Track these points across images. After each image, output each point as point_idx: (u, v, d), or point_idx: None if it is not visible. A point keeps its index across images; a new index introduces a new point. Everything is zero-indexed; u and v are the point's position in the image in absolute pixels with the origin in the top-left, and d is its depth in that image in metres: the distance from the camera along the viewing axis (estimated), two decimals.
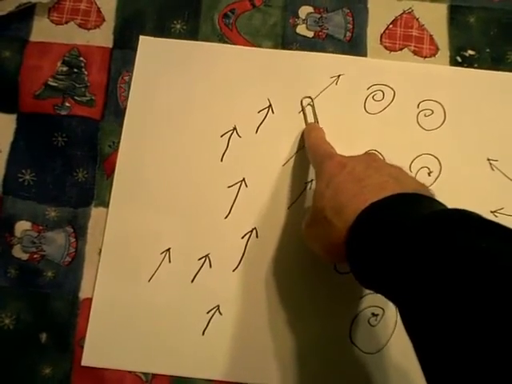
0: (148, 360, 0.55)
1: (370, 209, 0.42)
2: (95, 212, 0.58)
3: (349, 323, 0.56)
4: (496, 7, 0.65)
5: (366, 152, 0.53)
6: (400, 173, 0.47)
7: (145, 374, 0.54)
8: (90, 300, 0.56)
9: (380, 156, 0.52)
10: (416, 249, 0.38)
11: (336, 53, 0.63)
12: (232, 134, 0.60)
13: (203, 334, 0.55)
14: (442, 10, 0.64)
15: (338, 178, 0.47)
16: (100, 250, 0.56)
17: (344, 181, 0.46)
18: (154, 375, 0.54)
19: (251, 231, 0.57)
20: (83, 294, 0.56)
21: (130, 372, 0.54)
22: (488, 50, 0.63)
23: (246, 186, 0.58)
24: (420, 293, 0.37)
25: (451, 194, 0.55)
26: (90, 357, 0.54)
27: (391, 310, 0.56)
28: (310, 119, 0.60)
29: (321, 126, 0.58)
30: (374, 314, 0.56)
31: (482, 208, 0.55)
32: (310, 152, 0.56)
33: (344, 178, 0.47)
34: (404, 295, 0.38)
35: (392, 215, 0.41)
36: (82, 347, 0.55)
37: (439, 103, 0.61)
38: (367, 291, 0.56)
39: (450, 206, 0.53)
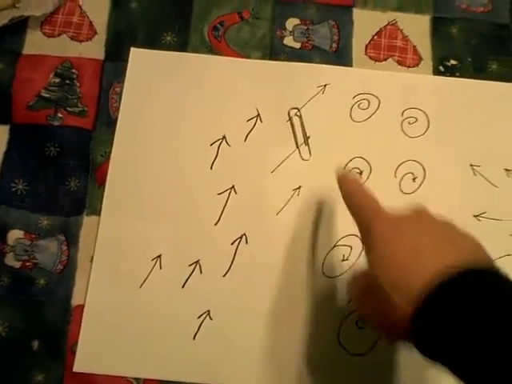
0: (139, 365, 0.55)
1: (435, 290, 0.39)
2: (87, 220, 0.58)
3: (337, 326, 0.57)
4: (477, 18, 0.67)
5: (414, 208, 0.49)
6: (452, 233, 0.45)
7: (136, 379, 0.55)
8: (82, 307, 0.56)
9: (427, 209, 0.48)
10: (492, 332, 0.37)
11: (322, 63, 0.65)
12: (221, 142, 0.61)
13: (194, 338, 0.56)
14: (425, 21, 0.66)
15: (393, 245, 0.44)
16: (92, 258, 0.57)
17: (399, 250, 0.43)
18: (146, 380, 0.54)
19: (241, 237, 0.58)
20: (75, 300, 0.57)
21: (121, 377, 0.55)
22: (470, 60, 0.65)
23: (236, 192, 0.59)
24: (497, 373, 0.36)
25: (435, 199, 0.57)
26: (82, 363, 0.55)
27: None
28: (298, 129, 0.61)
29: (356, 177, 0.57)
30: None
31: (465, 212, 0.57)
32: (350, 208, 0.50)
33: (399, 246, 0.44)
34: (475, 372, 0.38)
35: (462, 297, 0.39)
36: (74, 353, 0.55)
37: (423, 111, 0.63)
38: None
39: (433, 210, 0.54)
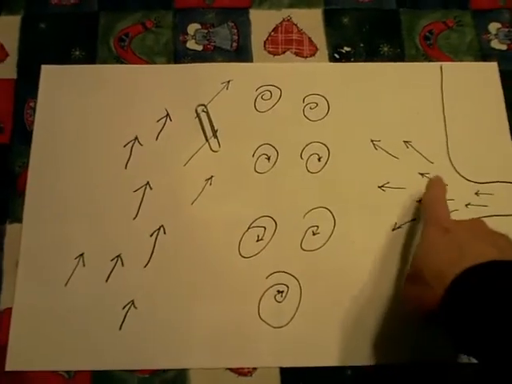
0: (70, 359, 0.58)
1: (465, 274, 0.45)
2: (10, 228, 0.61)
3: (257, 302, 0.59)
4: (365, 7, 0.72)
5: (472, 218, 0.56)
6: (506, 242, 0.49)
7: (67, 372, 0.57)
8: (10, 310, 0.59)
9: (486, 224, 0.54)
10: (508, 317, 0.42)
11: (225, 62, 0.69)
12: (134, 143, 0.65)
13: (120, 328, 0.58)
14: (318, 14, 0.71)
15: (441, 242, 0.50)
16: (17, 262, 0.60)
17: (446, 245, 0.49)
18: (76, 372, 0.57)
19: (159, 228, 0.62)
20: (3, 304, 0.59)
21: (52, 372, 0.57)
22: (362, 45, 0.70)
23: (151, 188, 0.63)
24: None
25: (341, 176, 0.61)
26: (14, 361, 0.57)
27: (295, 287, 0.60)
28: (206, 124, 0.65)
29: (443, 183, 0.60)
30: (279, 292, 0.60)
31: (370, 184, 0.61)
32: (423, 207, 0.60)
33: (446, 243, 0.50)
34: (495, 358, 0.42)
35: (486, 282, 0.44)
36: (6, 354, 0.57)
37: (322, 96, 0.67)
38: (272, 271, 0.60)
39: (339, 185, 0.58)
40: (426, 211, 0.58)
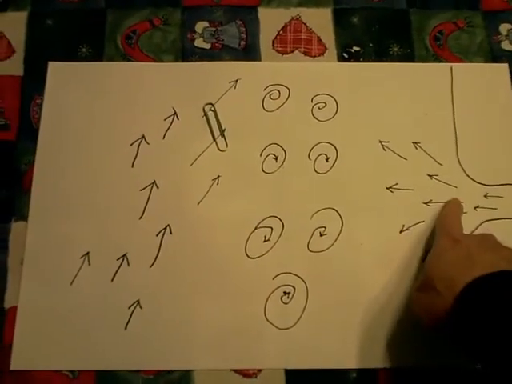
0: (74, 358, 0.57)
1: (475, 283, 0.46)
2: (16, 226, 0.61)
3: (263, 303, 0.59)
4: (375, 6, 0.71)
5: (484, 233, 0.57)
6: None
7: (72, 371, 0.57)
8: (15, 308, 0.58)
9: (495, 237, 0.55)
10: None
11: (232, 60, 0.68)
12: (141, 141, 0.64)
13: (126, 328, 0.58)
14: (327, 13, 0.71)
15: (452, 252, 0.52)
16: (22, 261, 0.59)
17: (456, 255, 0.51)
18: (80, 372, 0.56)
19: (165, 228, 0.61)
20: (8, 303, 0.59)
21: (57, 371, 0.57)
22: (371, 45, 0.69)
23: (157, 187, 0.62)
24: None
25: (349, 176, 0.61)
26: (19, 361, 0.57)
27: (302, 288, 0.59)
28: (213, 123, 0.64)
29: (461, 205, 0.62)
30: (285, 293, 0.59)
31: (378, 185, 0.61)
32: (437, 220, 0.61)
33: (457, 253, 0.51)
34: (504, 366, 0.43)
35: (496, 290, 0.45)
36: (11, 353, 0.56)
37: (331, 96, 0.67)
38: (278, 272, 0.60)
39: (347, 186, 0.58)
40: (439, 223, 0.59)
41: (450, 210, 0.60)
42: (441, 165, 0.64)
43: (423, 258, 0.60)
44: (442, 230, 0.57)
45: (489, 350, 0.44)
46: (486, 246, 0.52)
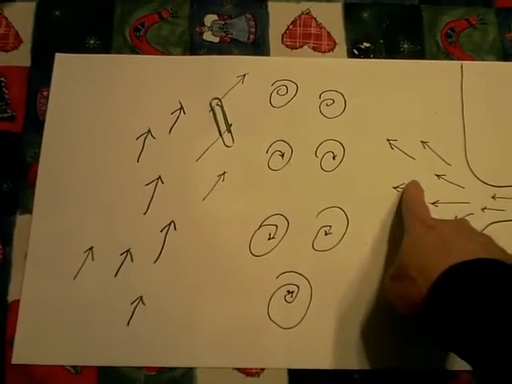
0: (76, 353, 0.57)
1: (450, 270, 0.45)
2: (20, 219, 0.61)
3: (266, 301, 0.59)
4: (387, 2, 0.70)
5: (457, 218, 0.58)
6: (488, 241, 0.49)
7: (74, 366, 0.57)
8: (18, 302, 0.58)
9: (469, 223, 0.54)
10: (492, 314, 0.42)
11: (241, 55, 0.67)
12: (147, 136, 0.64)
13: (128, 324, 0.58)
14: (338, 8, 0.70)
15: (426, 238, 0.51)
16: (26, 254, 0.59)
17: (431, 242, 0.50)
18: (83, 367, 0.56)
19: (169, 224, 0.61)
20: (11, 296, 0.59)
21: (59, 366, 0.57)
22: (382, 41, 0.68)
23: (163, 182, 0.62)
24: (497, 355, 0.41)
25: (355, 175, 0.60)
26: (21, 355, 0.57)
27: (305, 287, 0.59)
28: (220, 118, 0.64)
29: (421, 186, 0.62)
30: (289, 292, 0.59)
31: (385, 184, 0.60)
32: (403, 208, 0.60)
33: (432, 239, 0.50)
34: (479, 355, 0.42)
35: (472, 279, 0.44)
36: (13, 347, 0.56)
37: (339, 93, 0.66)
38: (282, 271, 0.59)
39: (353, 184, 0.58)
40: (407, 210, 0.58)
41: (414, 195, 0.59)
42: (449, 165, 0.63)
43: None
44: (412, 217, 0.56)
45: (462, 339, 0.43)
46: (462, 232, 0.51)
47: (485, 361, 0.42)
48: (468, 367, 0.44)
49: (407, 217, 0.57)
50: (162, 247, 0.60)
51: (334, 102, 0.65)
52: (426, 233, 0.51)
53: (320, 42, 0.68)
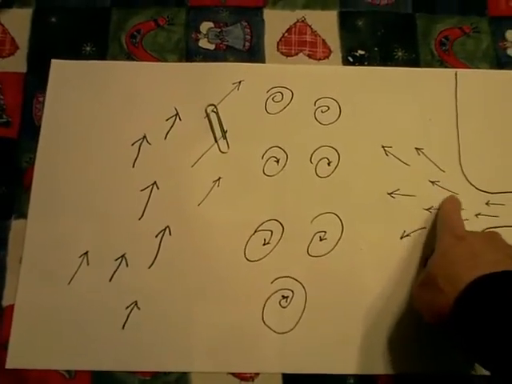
0: (71, 358, 0.57)
1: (477, 281, 0.46)
2: (15, 224, 0.61)
3: (261, 306, 0.59)
4: (381, 10, 0.71)
5: (487, 230, 0.59)
6: None
7: (68, 371, 0.56)
8: (13, 306, 0.58)
9: (500, 236, 0.55)
10: None
11: (237, 62, 0.68)
12: (142, 141, 0.64)
13: (123, 328, 0.58)
14: (333, 16, 0.70)
15: (456, 249, 0.52)
16: (21, 259, 0.59)
17: (460, 253, 0.51)
18: (77, 372, 0.56)
19: (164, 229, 0.61)
20: (6, 301, 0.59)
21: (53, 371, 0.57)
22: (376, 49, 0.69)
23: (158, 188, 0.62)
24: None
25: (350, 181, 0.60)
26: (14, 359, 0.57)
27: (300, 292, 0.59)
28: (215, 125, 0.64)
29: (458, 200, 0.62)
30: (284, 297, 0.59)
31: (380, 191, 0.60)
32: (438, 219, 0.60)
33: (461, 250, 0.51)
34: (503, 366, 0.43)
35: (498, 290, 0.45)
36: (7, 351, 0.56)
37: (334, 100, 0.66)
38: (277, 276, 0.60)
39: (348, 190, 0.58)
40: (441, 221, 0.59)
41: (450, 207, 0.60)
42: (443, 171, 0.63)
43: (424, 264, 0.59)
44: (445, 227, 0.57)
45: (488, 350, 0.44)
46: (491, 244, 0.52)
47: (509, 372, 0.42)
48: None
49: (440, 227, 0.58)
50: (157, 252, 0.60)
51: (328, 108, 0.66)
52: (455, 244, 0.52)
53: (315, 50, 0.68)
